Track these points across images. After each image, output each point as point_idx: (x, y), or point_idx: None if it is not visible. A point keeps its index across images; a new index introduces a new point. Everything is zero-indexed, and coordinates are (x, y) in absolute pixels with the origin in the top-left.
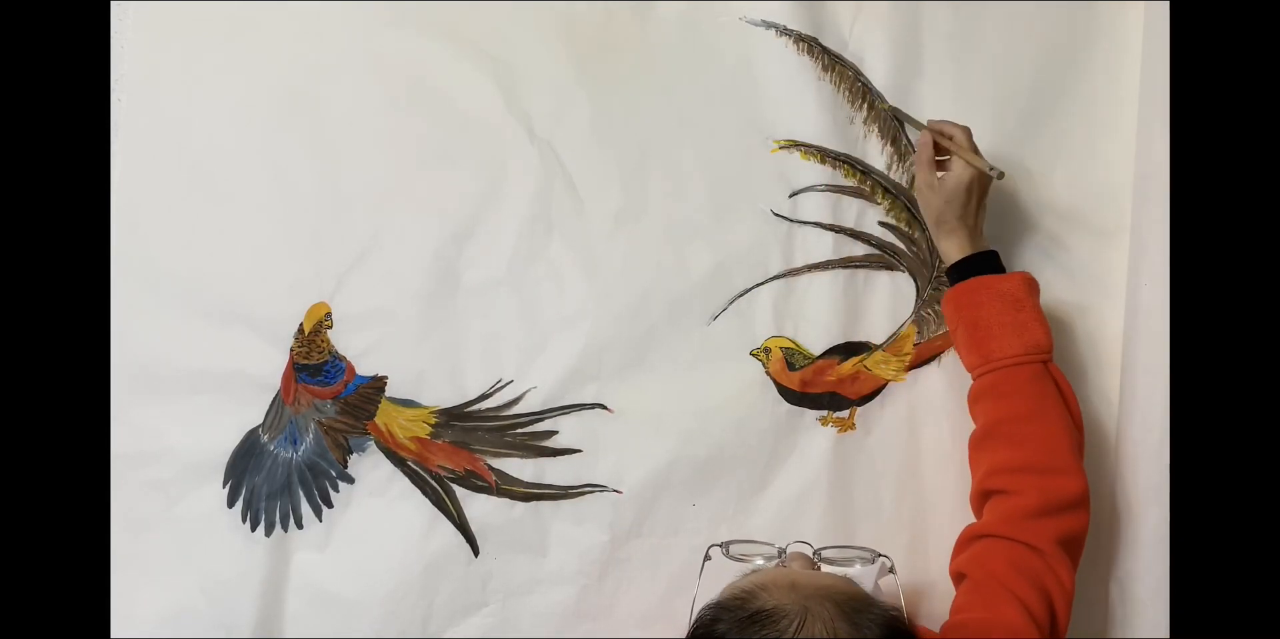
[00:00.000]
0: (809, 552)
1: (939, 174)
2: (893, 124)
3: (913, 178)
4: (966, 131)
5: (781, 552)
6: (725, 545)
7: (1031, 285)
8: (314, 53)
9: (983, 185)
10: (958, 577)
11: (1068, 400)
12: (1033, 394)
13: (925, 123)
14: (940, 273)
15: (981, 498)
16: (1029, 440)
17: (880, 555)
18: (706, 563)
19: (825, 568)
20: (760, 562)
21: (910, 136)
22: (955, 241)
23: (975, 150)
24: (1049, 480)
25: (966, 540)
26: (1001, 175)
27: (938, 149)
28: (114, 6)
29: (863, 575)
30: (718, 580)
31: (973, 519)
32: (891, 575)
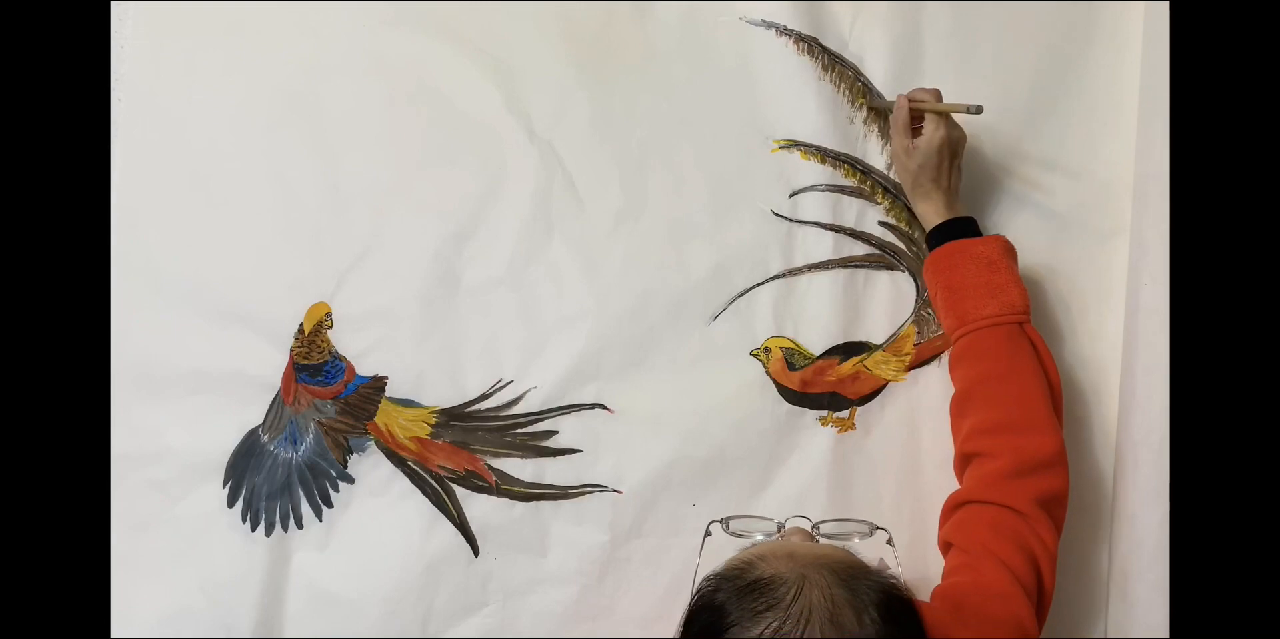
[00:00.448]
0: (808, 526)
1: (913, 141)
2: None
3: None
4: (936, 92)
5: (781, 527)
6: (725, 521)
7: (1008, 248)
8: (314, 53)
9: (954, 145)
10: (945, 546)
11: (1044, 361)
12: (1007, 353)
13: (896, 97)
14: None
15: (963, 463)
16: (1004, 400)
17: (878, 528)
18: (707, 539)
19: (824, 542)
20: (760, 537)
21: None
22: (932, 205)
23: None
24: (1023, 439)
25: (950, 509)
26: (980, 109)
27: (913, 116)
28: (114, 6)
29: (861, 548)
30: (719, 557)
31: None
32: (890, 547)
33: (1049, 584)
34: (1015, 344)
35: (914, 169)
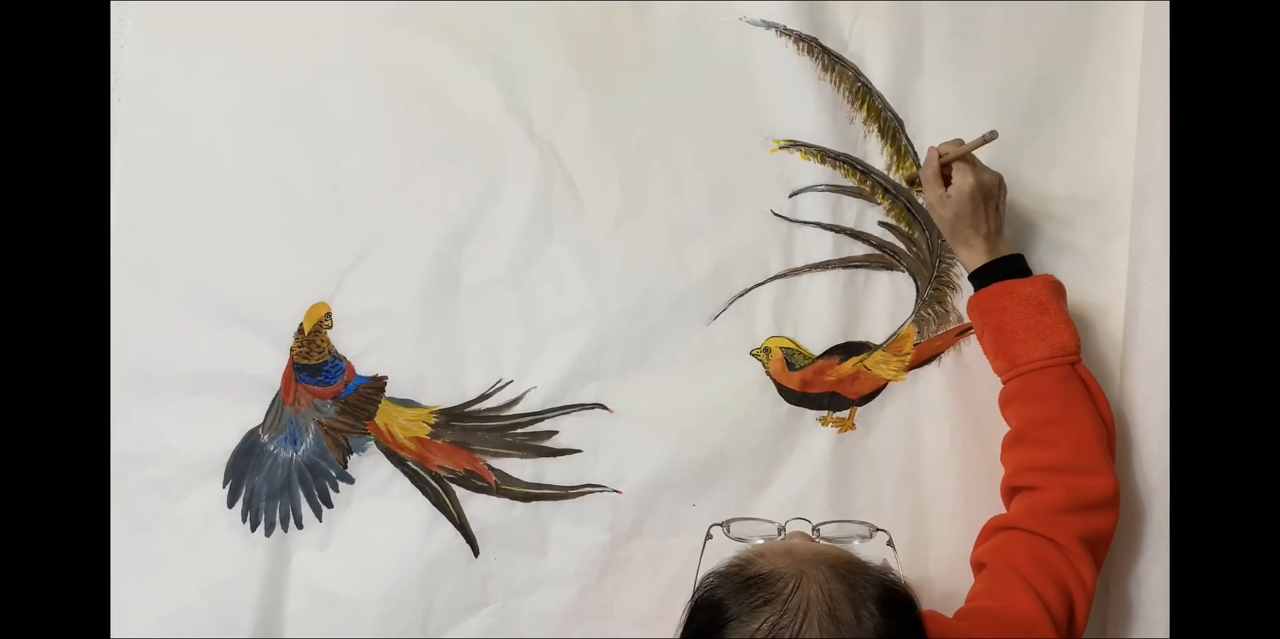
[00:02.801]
0: (808, 528)
1: (945, 190)
2: (893, 124)
3: (910, 178)
4: (957, 141)
5: (781, 529)
6: (726, 524)
7: (1056, 287)
8: (314, 53)
9: (987, 189)
10: (978, 565)
11: (1097, 400)
12: (1061, 396)
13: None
14: (941, 273)
15: (1010, 492)
16: (1059, 442)
17: (878, 529)
18: (708, 542)
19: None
20: (760, 540)
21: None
22: (972, 251)
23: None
24: (1078, 479)
25: (991, 531)
26: (995, 134)
27: (944, 167)
28: (114, 6)
29: (862, 550)
30: (720, 560)
31: (981, 513)
32: (890, 549)
33: (1081, 621)
34: (1069, 386)
35: (950, 218)
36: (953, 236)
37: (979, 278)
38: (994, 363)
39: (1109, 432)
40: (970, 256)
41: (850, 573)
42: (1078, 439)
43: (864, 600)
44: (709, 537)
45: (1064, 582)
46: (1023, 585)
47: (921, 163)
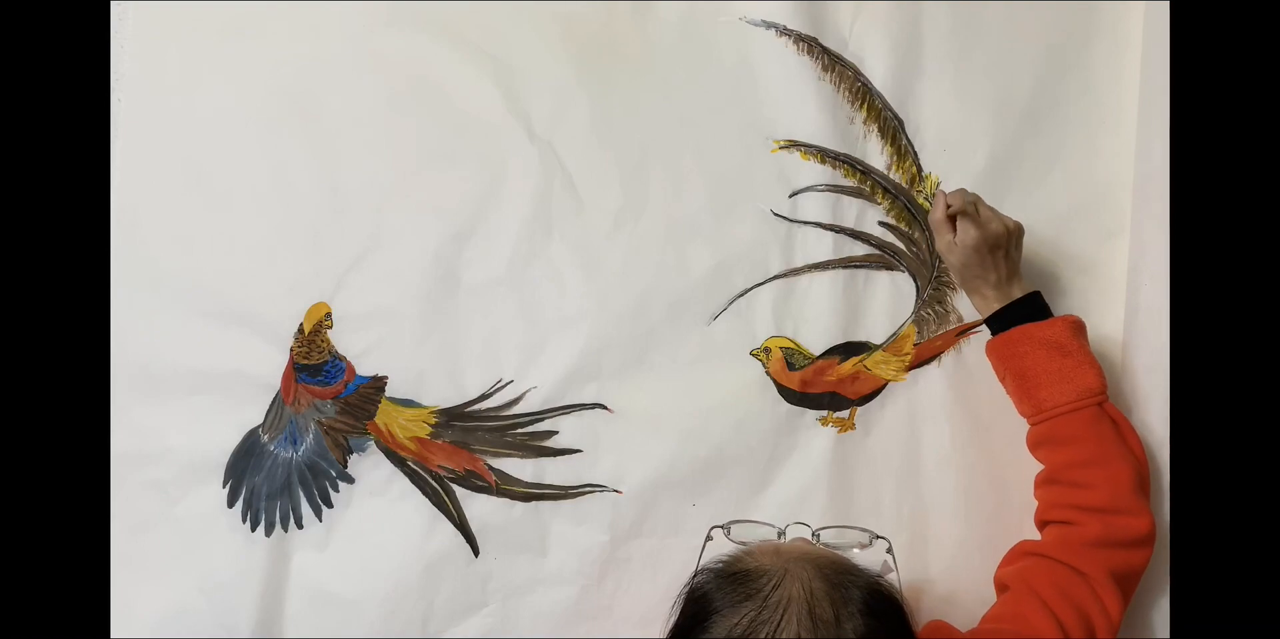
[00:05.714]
0: (808, 533)
1: (953, 237)
2: (893, 124)
3: (908, 179)
4: (976, 198)
5: (781, 533)
6: (727, 527)
7: (1077, 327)
8: (314, 53)
9: (994, 242)
10: (1000, 586)
11: (1128, 437)
12: (1093, 438)
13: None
14: (941, 273)
15: (1043, 524)
16: (1094, 484)
17: (878, 537)
18: (708, 543)
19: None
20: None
21: (918, 161)
22: (983, 299)
23: (978, 208)
24: (1115, 518)
25: (1019, 554)
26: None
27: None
28: (114, 6)
29: (861, 558)
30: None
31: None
32: (889, 556)
33: None
34: (1098, 427)
35: (958, 266)
36: (963, 283)
37: (996, 321)
38: (1019, 407)
39: (1142, 468)
40: (982, 304)
41: (836, 573)
42: (1112, 480)
43: (847, 601)
44: (709, 538)
45: (1087, 612)
46: (1044, 611)
47: (921, 164)
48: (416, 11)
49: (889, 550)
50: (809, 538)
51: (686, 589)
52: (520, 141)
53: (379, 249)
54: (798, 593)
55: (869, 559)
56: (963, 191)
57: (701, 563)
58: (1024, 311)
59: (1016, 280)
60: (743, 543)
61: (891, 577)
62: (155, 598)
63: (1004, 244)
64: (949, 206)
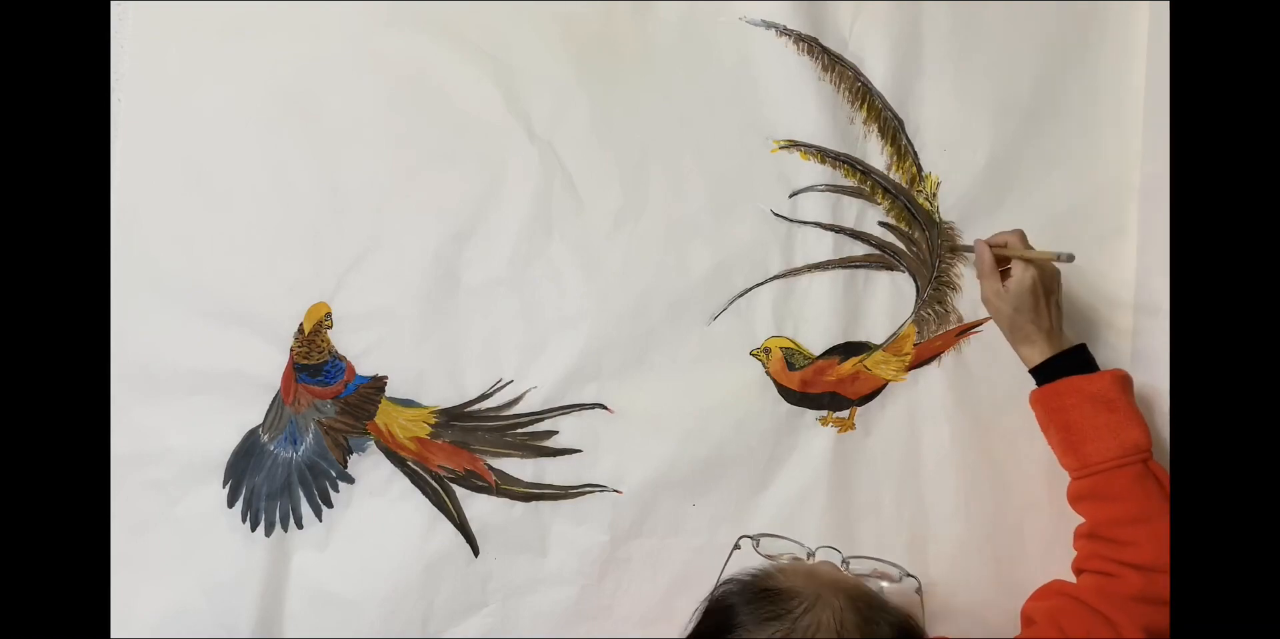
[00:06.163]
0: (837, 559)
1: (1004, 283)
2: (893, 124)
3: (908, 179)
4: (1019, 234)
5: (811, 554)
6: (756, 539)
7: (1124, 382)
8: (314, 52)
9: (1048, 284)
10: (1027, 620)
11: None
12: (1138, 497)
13: (974, 241)
14: (941, 273)
15: (1080, 571)
16: (1138, 542)
17: (909, 575)
18: (735, 552)
19: None
20: (788, 561)
21: (919, 163)
22: (1035, 347)
23: (1029, 247)
24: (1156, 577)
25: (1053, 592)
26: (1071, 257)
27: (997, 258)
28: (114, 6)
29: (889, 593)
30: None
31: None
32: (917, 596)
33: None
34: (1144, 485)
35: (1009, 313)
36: (1012, 332)
37: (1041, 373)
38: (1062, 459)
39: None
40: (1031, 353)
41: (868, 607)
42: (1156, 538)
43: (875, 637)
44: (736, 547)
45: None
46: None
47: (921, 164)
48: (416, 11)
49: (918, 591)
50: (837, 564)
51: (711, 597)
52: (520, 141)
53: (379, 249)
54: (828, 621)
55: (895, 593)
56: (1019, 233)
57: (728, 573)
58: (1070, 363)
59: (1063, 331)
60: (770, 557)
61: (917, 610)
62: (155, 598)
63: (1055, 289)
64: (1000, 245)
